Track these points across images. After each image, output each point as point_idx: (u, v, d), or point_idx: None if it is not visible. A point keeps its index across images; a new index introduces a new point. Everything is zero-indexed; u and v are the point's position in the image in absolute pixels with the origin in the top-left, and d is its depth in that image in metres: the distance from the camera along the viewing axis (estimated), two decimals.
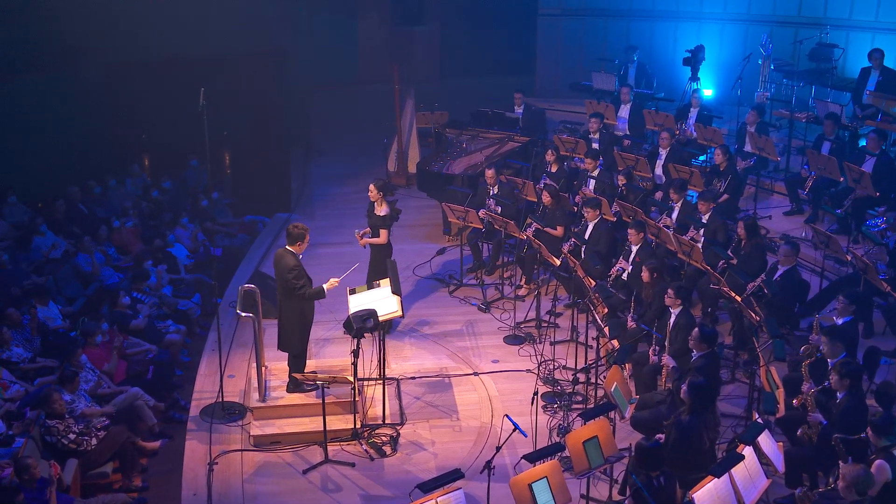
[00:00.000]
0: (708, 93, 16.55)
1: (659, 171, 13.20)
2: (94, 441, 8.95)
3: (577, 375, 9.96)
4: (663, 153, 13.27)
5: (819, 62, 15.27)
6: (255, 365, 9.75)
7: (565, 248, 11.09)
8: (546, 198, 11.98)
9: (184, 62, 16.00)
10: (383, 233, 10.86)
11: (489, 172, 12.53)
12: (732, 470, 7.06)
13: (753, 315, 9.31)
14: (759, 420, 7.90)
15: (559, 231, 11.88)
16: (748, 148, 13.42)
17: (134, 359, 10.69)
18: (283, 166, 16.82)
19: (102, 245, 13.15)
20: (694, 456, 7.75)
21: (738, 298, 9.54)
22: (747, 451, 7.29)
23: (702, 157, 13.95)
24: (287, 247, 9.30)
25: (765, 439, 7.55)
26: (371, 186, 10.89)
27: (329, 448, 9.01)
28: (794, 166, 14.04)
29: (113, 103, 16.72)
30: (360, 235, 10.92)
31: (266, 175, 16.68)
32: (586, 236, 11.46)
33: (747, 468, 7.21)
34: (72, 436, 8.82)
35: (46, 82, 15.50)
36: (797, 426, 8.18)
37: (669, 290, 9.39)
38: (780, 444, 7.92)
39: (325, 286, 9.27)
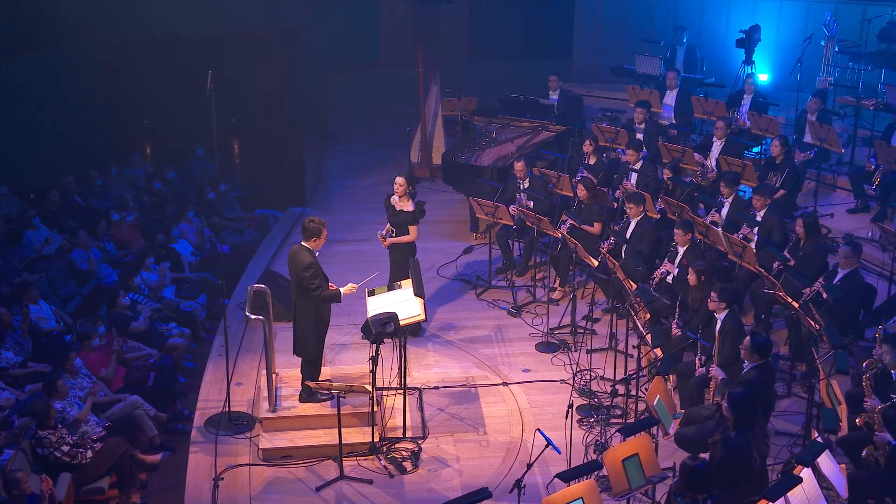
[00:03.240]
0: (763, 77, 16.43)
1: (713, 163, 13.09)
2: (89, 454, 8.99)
3: (616, 387, 9.93)
4: (718, 144, 13.15)
5: (890, 43, 15.11)
6: (264, 372, 9.79)
7: (604, 247, 11.05)
8: (581, 191, 11.93)
9: (190, 43, 16.08)
10: (413, 229, 10.90)
11: (518, 165, 12.50)
12: (789, 494, 6.97)
13: (812, 323, 9.23)
14: (819, 439, 7.81)
15: (596, 228, 11.84)
16: (808, 138, 13.30)
17: (133, 364, 10.76)
18: (296, 156, 16.85)
19: (100, 240, 13.24)
20: (743, 475, 7.68)
21: (796, 304, 9.46)
22: (805, 474, 7.21)
23: (756, 149, 13.86)
24: (303, 243, 9.33)
25: (825, 460, 7.47)
26: (401, 180, 10.91)
27: (345, 463, 9.02)
28: (859, 159, 13.91)
29: (113, 86, 16.83)
30: (382, 236, 10.93)
31: (278, 165, 16.72)
32: (627, 235, 11.40)
33: (805, 492, 7.13)
34: (65, 448, 8.85)
35: (41, 63, 15.58)
36: (862, 447, 8.08)
37: (712, 293, 9.32)
38: (843, 466, 7.83)
39: (342, 290, 9.29)
